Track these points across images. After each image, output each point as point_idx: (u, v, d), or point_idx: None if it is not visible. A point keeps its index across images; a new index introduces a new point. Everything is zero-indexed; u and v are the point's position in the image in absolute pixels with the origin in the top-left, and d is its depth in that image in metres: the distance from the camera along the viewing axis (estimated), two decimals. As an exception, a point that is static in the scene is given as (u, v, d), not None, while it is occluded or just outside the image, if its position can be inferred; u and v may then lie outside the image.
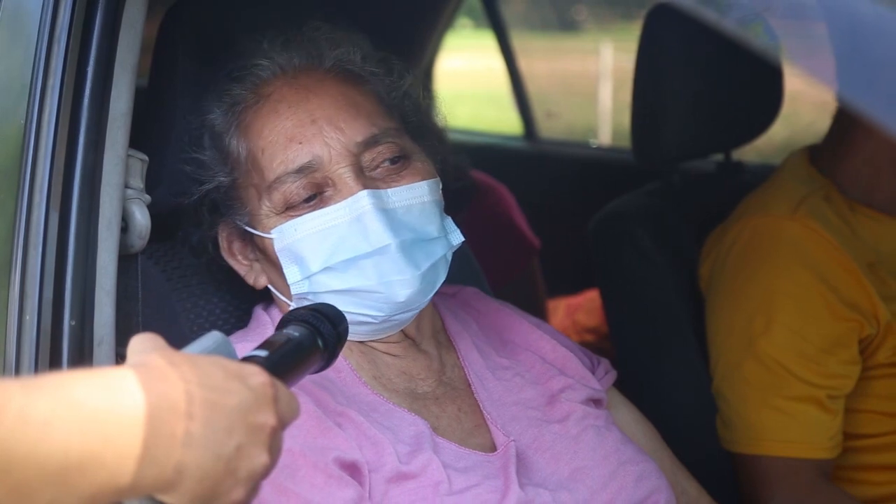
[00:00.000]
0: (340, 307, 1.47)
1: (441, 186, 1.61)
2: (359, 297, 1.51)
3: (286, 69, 1.60)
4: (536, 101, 4.14)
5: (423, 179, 1.57)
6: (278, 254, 1.56)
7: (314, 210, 1.53)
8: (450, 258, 1.59)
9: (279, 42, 1.62)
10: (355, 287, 1.51)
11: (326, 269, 1.52)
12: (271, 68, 1.60)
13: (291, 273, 1.55)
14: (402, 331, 1.60)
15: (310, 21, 1.65)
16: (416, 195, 1.55)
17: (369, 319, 1.52)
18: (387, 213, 1.51)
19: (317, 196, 1.54)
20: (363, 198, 1.51)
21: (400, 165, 1.56)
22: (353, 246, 1.51)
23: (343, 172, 1.53)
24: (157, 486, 0.99)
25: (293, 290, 1.56)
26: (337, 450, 1.42)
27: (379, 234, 1.50)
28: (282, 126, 1.56)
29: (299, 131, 1.55)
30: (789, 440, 1.97)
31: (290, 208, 1.54)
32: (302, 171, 1.53)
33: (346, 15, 1.78)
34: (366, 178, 1.54)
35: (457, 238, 1.60)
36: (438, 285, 1.56)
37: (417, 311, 1.57)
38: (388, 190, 1.53)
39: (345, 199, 1.52)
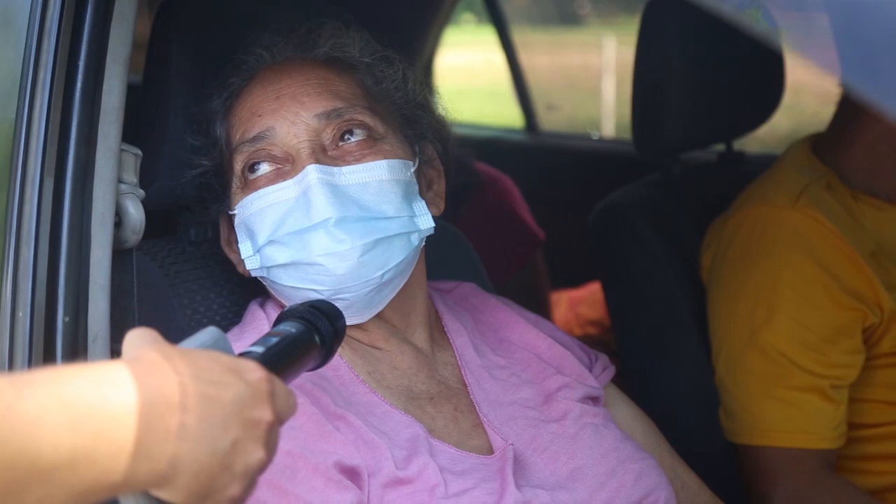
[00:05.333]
0: (289, 282, 1.51)
1: (413, 169, 1.59)
2: (302, 270, 1.50)
3: (277, 58, 1.62)
4: (540, 95, 4.14)
5: (386, 159, 1.55)
6: (236, 229, 1.58)
7: (270, 185, 1.54)
8: (416, 242, 1.56)
9: (280, 33, 1.64)
10: (297, 260, 1.50)
11: (272, 242, 1.52)
12: (263, 56, 1.62)
13: (245, 248, 1.57)
14: (380, 317, 1.58)
15: (315, 17, 1.65)
16: (373, 173, 1.53)
17: (316, 296, 1.50)
18: (333, 188, 1.50)
19: (268, 165, 1.55)
20: (311, 172, 1.50)
21: (363, 143, 1.55)
22: (296, 220, 1.51)
23: (301, 148, 1.54)
24: (151, 480, 0.98)
25: (247, 265, 1.57)
26: (337, 454, 1.41)
27: (321, 208, 1.49)
28: (250, 103, 1.59)
29: (262, 106, 1.57)
30: (793, 430, 1.96)
31: (249, 182, 1.56)
32: (255, 140, 1.55)
33: (344, 9, 1.77)
34: (323, 156, 1.53)
35: (426, 222, 1.57)
36: (392, 265, 1.52)
37: (369, 291, 1.52)
38: (343, 167, 1.53)
39: (297, 174, 1.52)
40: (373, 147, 1.55)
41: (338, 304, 1.49)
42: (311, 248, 1.49)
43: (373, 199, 1.52)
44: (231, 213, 1.59)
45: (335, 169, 1.52)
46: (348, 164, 1.53)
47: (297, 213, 1.51)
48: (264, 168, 1.56)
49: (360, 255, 1.49)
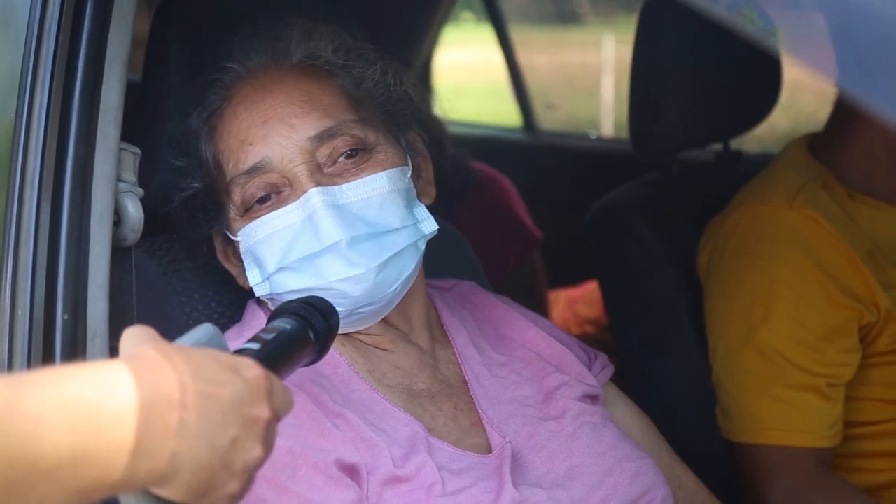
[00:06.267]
0: None
1: (409, 174, 1.59)
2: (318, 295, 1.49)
3: (252, 70, 1.59)
4: (539, 93, 4.14)
5: (384, 170, 1.55)
6: (242, 256, 1.57)
7: (272, 211, 1.53)
8: (422, 246, 1.57)
9: (250, 42, 1.61)
10: (312, 286, 1.49)
11: (282, 269, 1.51)
12: (238, 71, 1.59)
13: (253, 275, 1.56)
14: (385, 321, 1.59)
15: (284, 18, 1.63)
16: (375, 187, 1.53)
17: None
18: (339, 210, 1.49)
19: (273, 196, 1.53)
20: (313, 195, 1.49)
21: (359, 159, 1.54)
22: (305, 245, 1.50)
23: (298, 171, 1.52)
24: (151, 479, 0.99)
25: (257, 292, 1.56)
26: (337, 452, 1.42)
27: (329, 231, 1.48)
28: (237, 128, 1.56)
29: (251, 132, 1.54)
30: (789, 429, 1.97)
31: (250, 210, 1.54)
32: (252, 171, 1.53)
33: (343, 9, 1.77)
34: (321, 176, 1.52)
35: (429, 226, 1.57)
36: (405, 276, 1.54)
37: (388, 302, 1.54)
38: (343, 185, 1.52)
39: (299, 198, 1.51)
40: (369, 160, 1.54)
41: (353, 318, 1.51)
42: (325, 273, 1.49)
43: (377, 213, 1.52)
44: (234, 238, 1.58)
45: (336, 188, 1.51)
46: (347, 180, 1.52)
47: (306, 238, 1.50)
48: (269, 198, 1.54)
49: (376, 276, 1.49)
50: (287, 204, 1.52)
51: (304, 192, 1.51)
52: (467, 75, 8.02)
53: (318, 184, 1.51)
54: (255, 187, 1.53)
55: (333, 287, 1.49)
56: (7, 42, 1.43)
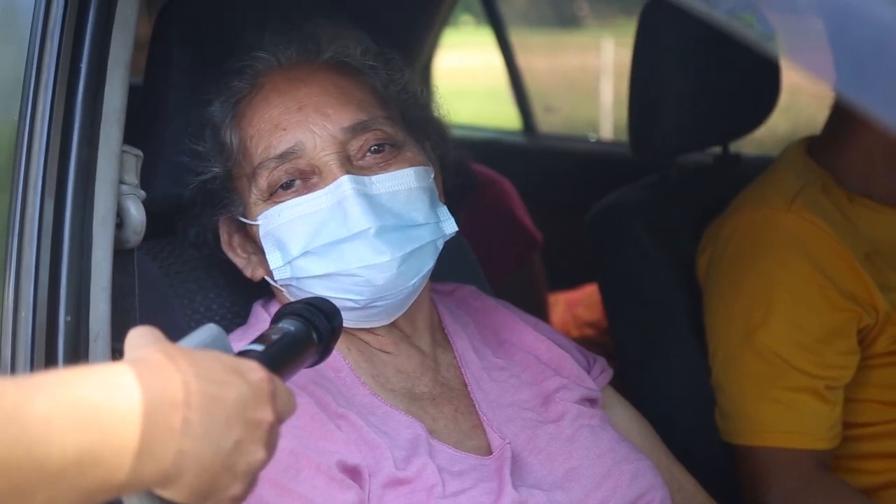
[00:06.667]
0: (322, 292, 1.50)
1: (433, 175, 1.61)
2: (338, 281, 1.51)
3: (282, 61, 1.61)
4: (538, 96, 4.15)
5: (411, 167, 1.57)
6: (262, 239, 1.57)
7: (298, 195, 1.54)
8: (440, 246, 1.58)
9: (280, 36, 1.63)
10: (334, 271, 1.51)
11: (306, 253, 1.52)
12: (268, 60, 1.61)
13: (274, 259, 1.56)
14: (393, 324, 1.60)
15: (314, 18, 1.66)
16: (403, 181, 1.55)
17: (351, 305, 1.52)
18: (368, 199, 1.51)
19: (300, 182, 1.54)
20: (344, 182, 1.51)
21: (387, 154, 1.56)
22: (332, 231, 1.51)
23: (329, 160, 1.54)
24: (155, 480, 0.99)
25: (276, 276, 1.57)
26: (339, 453, 1.43)
27: (358, 218, 1.50)
28: (269, 114, 1.57)
29: (285, 118, 1.56)
30: (788, 431, 1.97)
31: (275, 194, 1.55)
32: (284, 156, 1.54)
33: (344, 11, 1.78)
34: (351, 166, 1.54)
35: (450, 227, 1.59)
36: (424, 272, 1.55)
37: (402, 298, 1.55)
38: (373, 177, 1.54)
39: (328, 185, 1.52)
40: (397, 156, 1.57)
41: (367, 312, 1.52)
42: (349, 259, 1.50)
43: (403, 206, 1.54)
44: (252, 222, 1.58)
45: (366, 179, 1.53)
46: (376, 172, 1.54)
47: (334, 224, 1.51)
48: (294, 184, 1.55)
49: (399, 266, 1.51)
50: (315, 190, 1.53)
51: (335, 179, 1.52)
52: (467, 78, 8.03)
53: (349, 173, 1.52)
54: (282, 172, 1.55)
55: (357, 273, 1.50)
56: (10, 45, 1.44)
